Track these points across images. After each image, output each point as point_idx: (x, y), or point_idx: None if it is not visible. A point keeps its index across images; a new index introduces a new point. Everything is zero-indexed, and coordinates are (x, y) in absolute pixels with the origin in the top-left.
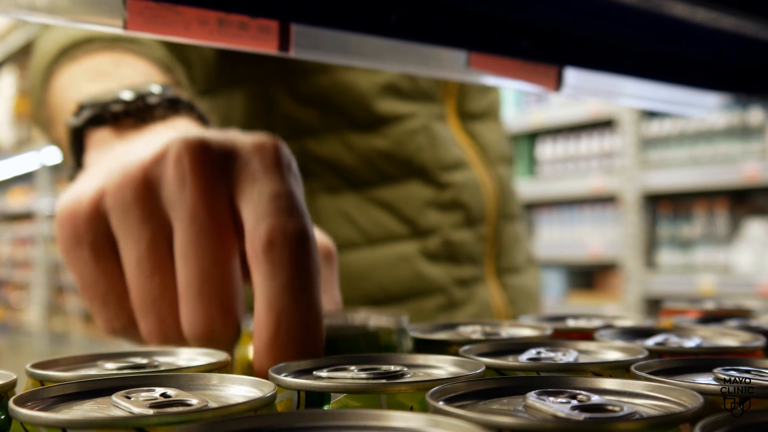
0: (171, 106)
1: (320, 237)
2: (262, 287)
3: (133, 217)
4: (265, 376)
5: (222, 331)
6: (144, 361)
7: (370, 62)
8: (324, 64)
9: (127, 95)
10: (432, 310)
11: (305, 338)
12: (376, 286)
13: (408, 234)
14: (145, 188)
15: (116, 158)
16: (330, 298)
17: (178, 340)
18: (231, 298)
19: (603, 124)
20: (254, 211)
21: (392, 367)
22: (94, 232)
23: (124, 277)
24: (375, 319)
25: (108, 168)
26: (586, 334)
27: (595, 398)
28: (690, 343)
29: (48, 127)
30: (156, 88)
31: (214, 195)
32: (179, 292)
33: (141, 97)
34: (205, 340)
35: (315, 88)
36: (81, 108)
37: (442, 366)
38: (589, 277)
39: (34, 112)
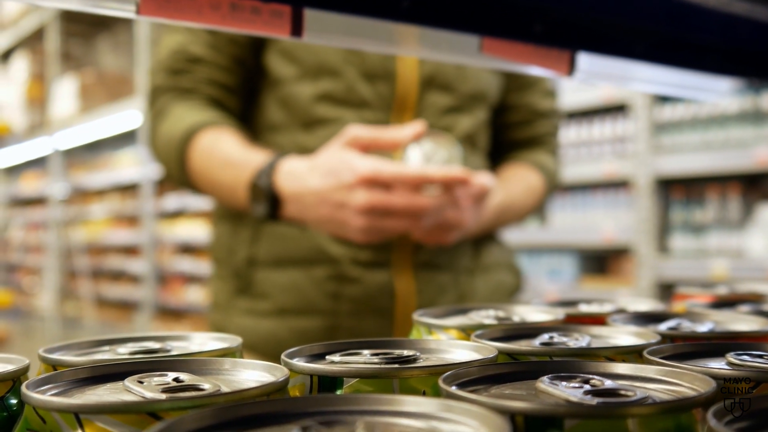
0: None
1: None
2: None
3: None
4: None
5: None
6: (157, 345)
7: (382, 47)
8: (281, 76)
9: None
10: (320, 278)
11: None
12: (282, 248)
13: None
14: None
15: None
16: None
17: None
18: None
19: (615, 109)
20: None
21: (405, 352)
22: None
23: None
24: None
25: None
26: (599, 319)
27: (608, 383)
28: (703, 327)
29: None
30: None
31: None
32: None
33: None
34: None
35: (284, 95)
36: (256, 187)
37: (455, 351)
38: (601, 261)
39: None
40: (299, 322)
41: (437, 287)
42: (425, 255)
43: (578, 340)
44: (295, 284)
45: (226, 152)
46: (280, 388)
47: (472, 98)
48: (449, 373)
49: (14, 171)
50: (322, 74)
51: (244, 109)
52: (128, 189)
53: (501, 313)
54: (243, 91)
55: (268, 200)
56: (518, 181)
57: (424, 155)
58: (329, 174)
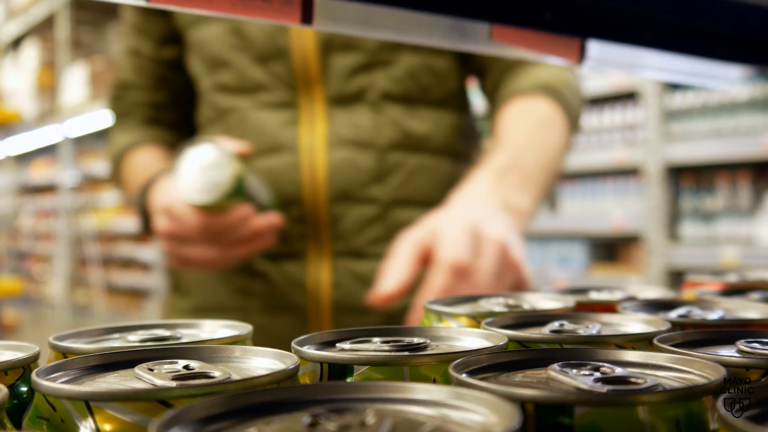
0: None
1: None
2: None
3: None
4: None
5: None
6: (167, 333)
7: (392, 34)
8: (195, 75)
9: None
10: (229, 274)
11: None
12: None
13: None
14: None
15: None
16: None
17: None
18: None
19: (626, 97)
20: None
21: (415, 339)
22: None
23: None
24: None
25: None
26: (609, 307)
27: (618, 370)
28: (713, 315)
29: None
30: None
31: None
32: None
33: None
34: None
35: (200, 92)
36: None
37: (465, 338)
38: (611, 249)
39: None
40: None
41: (357, 279)
42: (343, 243)
43: (588, 327)
44: (208, 281)
45: (133, 172)
46: (290, 375)
47: (388, 49)
48: (459, 360)
49: (24, 158)
50: (216, 65)
51: (186, 116)
52: None
53: (511, 301)
54: (178, 102)
55: (141, 215)
56: (518, 121)
57: (199, 164)
58: (158, 195)
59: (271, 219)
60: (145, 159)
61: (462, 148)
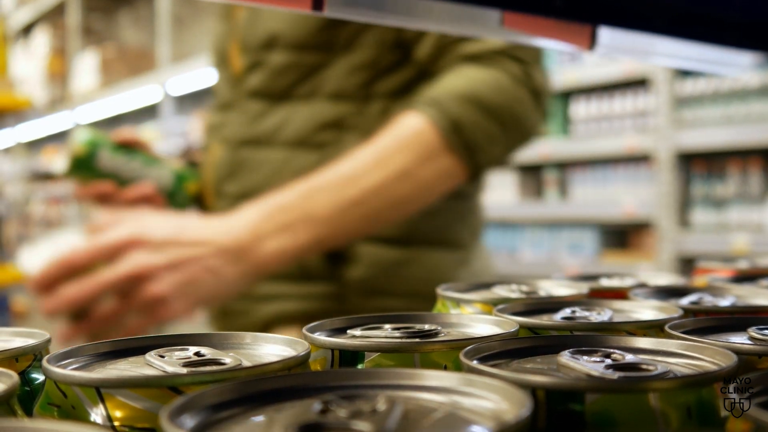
0: None
1: None
2: None
3: None
4: None
5: None
6: None
7: (402, 21)
8: None
9: None
10: None
11: None
12: None
13: None
14: None
15: None
16: None
17: None
18: None
19: (637, 83)
20: None
21: (426, 326)
22: None
23: None
24: None
25: None
26: (620, 293)
27: (629, 357)
28: (724, 302)
29: None
30: None
31: None
32: None
33: None
34: None
35: None
36: None
37: (476, 325)
38: (622, 236)
39: None
40: None
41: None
42: None
43: (600, 314)
44: None
45: None
46: (301, 362)
47: (265, 50)
48: (470, 347)
49: (35, 145)
50: None
51: None
52: None
53: (524, 287)
54: None
55: None
56: (366, 147)
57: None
58: None
59: (140, 190)
60: None
61: (334, 139)
